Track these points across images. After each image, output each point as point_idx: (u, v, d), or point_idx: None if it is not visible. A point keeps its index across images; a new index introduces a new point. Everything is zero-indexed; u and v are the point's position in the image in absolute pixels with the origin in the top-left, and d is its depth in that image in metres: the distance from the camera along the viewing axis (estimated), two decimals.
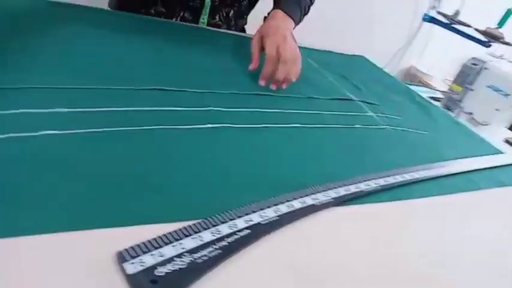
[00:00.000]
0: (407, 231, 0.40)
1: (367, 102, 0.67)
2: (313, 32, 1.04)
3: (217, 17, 0.79)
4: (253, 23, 0.85)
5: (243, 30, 0.90)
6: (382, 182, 0.44)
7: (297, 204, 0.37)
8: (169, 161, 0.38)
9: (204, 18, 0.77)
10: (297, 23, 0.71)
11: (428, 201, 0.45)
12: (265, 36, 0.63)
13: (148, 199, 0.33)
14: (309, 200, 0.38)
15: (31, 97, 0.39)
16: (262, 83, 0.60)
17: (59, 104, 0.39)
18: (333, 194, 0.40)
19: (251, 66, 0.61)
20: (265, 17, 0.71)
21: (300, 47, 0.80)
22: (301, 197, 0.38)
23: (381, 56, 1.22)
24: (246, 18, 0.88)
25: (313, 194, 0.39)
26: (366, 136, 0.56)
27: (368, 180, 0.44)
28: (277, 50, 0.60)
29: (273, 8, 0.71)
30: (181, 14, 0.75)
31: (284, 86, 0.61)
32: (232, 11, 0.81)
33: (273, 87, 0.60)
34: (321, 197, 0.39)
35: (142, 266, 0.26)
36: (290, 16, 0.69)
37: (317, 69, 0.75)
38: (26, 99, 0.38)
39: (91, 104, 0.41)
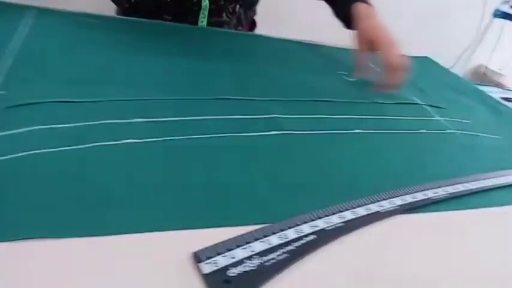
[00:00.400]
0: (478, 242, 0.39)
1: (434, 106, 0.65)
2: None
3: (224, 15, 0.77)
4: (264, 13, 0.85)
5: (254, 23, 0.88)
6: (450, 189, 0.43)
7: (361, 211, 0.37)
8: (236, 167, 0.39)
9: (203, 20, 0.75)
10: None
11: (500, 210, 0.43)
12: (377, 42, 0.64)
13: (219, 203, 0.35)
14: (374, 207, 0.38)
15: (109, 109, 0.43)
16: (381, 89, 0.63)
17: (135, 115, 0.43)
18: (399, 201, 0.39)
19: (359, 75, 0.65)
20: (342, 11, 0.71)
21: None
22: (366, 204, 0.38)
23: (447, 56, 1.17)
24: (255, 10, 0.86)
25: (378, 201, 0.39)
26: (432, 141, 0.55)
27: (436, 187, 0.42)
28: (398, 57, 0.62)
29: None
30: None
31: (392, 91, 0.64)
32: (238, 5, 0.79)
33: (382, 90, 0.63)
34: (387, 204, 0.39)
35: (216, 266, 0.28)
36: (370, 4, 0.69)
37: (379, 73, 0.74)
38: (104, 111, 0.42)
39: (164, 114, 0.44)
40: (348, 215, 0.36)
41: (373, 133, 0.53)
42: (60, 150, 0.35)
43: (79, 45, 0.54)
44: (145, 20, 0.69)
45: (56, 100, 0.41)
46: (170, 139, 0.41)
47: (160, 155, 0.38)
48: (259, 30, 0.88)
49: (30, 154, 0.34)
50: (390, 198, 0.40)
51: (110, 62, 0.52)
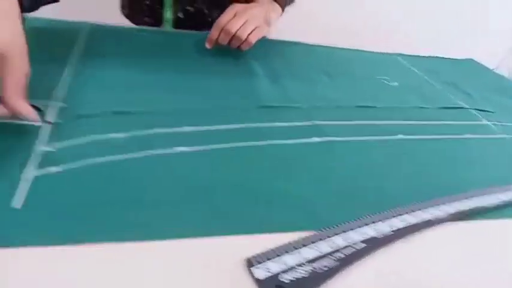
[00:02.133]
0: None
1: (481, 110, 0.63)
2: (413, 38, 1.00)
3: (180, 13, 0.74)
4: None
5: None
6: (503, 197, 0.41)
7: (411, 218, 0.37)
8: (282, 174, 0.40)
9: (167, 13, 0.72)
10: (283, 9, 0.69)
11: None
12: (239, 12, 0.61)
13: (267, 209, 0.35)
14: (424, 215, 0.37)
15: (160, 119, 0.44)
16: (208, 45, 0.62)
17: (185, 124, 0.44)
18: (449, 209, 0.39)
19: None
20: None
21: (402, 55, 0.79)
22: (415, 211, 0.37)
23: (490, 57, 1.13)
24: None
25: (428, 208, 0.38)
26: (481, 147, 0.53)
27: (488, 194, 0.41)
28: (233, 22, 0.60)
29: None
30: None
31: (244, 47, 0.62)
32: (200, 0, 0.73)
33: (225, 40, 0.61)
34: (437, 212, 0.38)
35: (268, 272, 0.29)
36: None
37: (422, 77, 0.73)
38: (156, 121, 0.44)
39: (211, 122, 0.45)
40: (397, 223, 0.36)
41: (417, 139, 0.52)
42: (118, 159, 0.37)
43: (131, 58, 0.57)
44: (192, 31, 0.71)
45: (113, 111, 0.44)
46: (218, 147, 0.42)
47: (210, 162, 0.39)
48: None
49: (90, 162, 0.36)
50: (440, 205, 0.39)
51: (160, 74, 0.54)
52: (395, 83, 0.67)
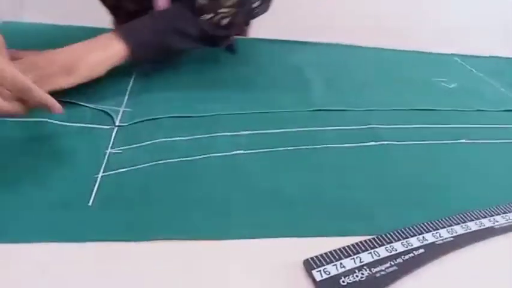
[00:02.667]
0: None
1: None
2: (472, 37, 0.96)
3: None
4: None
5: None
6: None
7: (473, 225, 0.36)
8: (338, 178, 0.40)
9: None
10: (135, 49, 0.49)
11: None
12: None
13: (325, 212, 0.36)
14: (487, 222, 0.36)
15: (218, 123, 0.46)
16: None
17: (242, 128, 0.46)
18: None
19: None
20: None
21: (459, 55, 0.76)
22: (478, 218, 0.36)
23: None
24: None
25: (492, 215, 0.37)
26: None
27: None
28: None
29: None
30: None
31: None
32: None
33: None
34: (501, 220, 0.37)
35: (327, 274, 0.29)
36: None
37: (482, 78, 0.70)
38: (214, 125, 0.46)
39: (267, 127, 0.47)
40: (459, 229, 0.35)
41: (479, 143, 0.50)
42: (180, 161, 0.40)
43: (187, 65, 0.60)
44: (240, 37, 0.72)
45: (174, 115, 0.46)
46: (274, 150, 0.43)
47: (267, 166, 0.41)
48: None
49: (154, 164, 0.39)
50: (505, 213, 0.37)
51: (215, 79, 0.57)
52: (454, 85, 0.65)
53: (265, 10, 0.59)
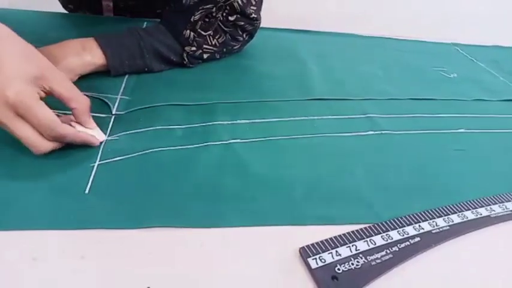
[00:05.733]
0: None
1: None
2: (469, 25, 0.95)
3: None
4: None
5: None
6: None
7: (469, 214, 0.36)
8: (337, 167, 0.40)
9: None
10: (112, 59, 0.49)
11: None
12: None
13: (322, 201, 0.36)
14: (483, 211, 0.36)
15: (216, 111, 0.46)
16: None
17: (239, 117, 0.46)
18: (511, 206, 0.37)
19: None
20: None
21: (459, 44, 0.75)
22: (474, 208, 0.36)
23: None
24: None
25: (488, 204, 0.37)
26: None
27: None
28: None
29: None
30: None
31: None
32: None
33: None
34: (497, 209, 0.37)
35: (323, 262, 0.30)
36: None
37: (482, 68, 0.69)
38: (212, 113, 0.46)
39: (266, 115, 0.47)
40: (455, 218, 0.35)
41: (477, 132, 0.50)
42: (177, 149, 0.39)
43: None
44: None
45: (170, 103, 0.46)
46: (271, 139, 0.43)
47: (265, 154, 0.41)
48: None
49: (151, 152, 0.39)
50: (502, 202, 0.37)
51: (213, 67, 0.56)
52: (454, 75, 0.64)
53: (241, 49, 0.61)
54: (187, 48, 0.53)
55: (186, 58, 0.53)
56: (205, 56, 0.55)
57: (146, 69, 0.51)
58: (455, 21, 0.81)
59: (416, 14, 0.88)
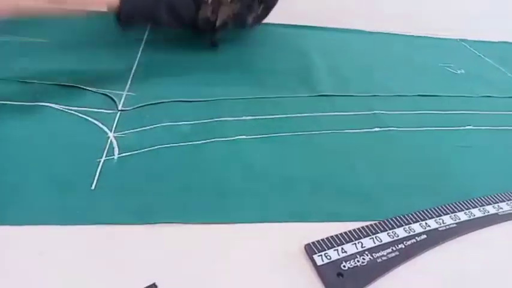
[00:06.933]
0: None
1: None
2: (477, 21, 0.93)
3: None
4: None
5: None
6: None
7: (477, 212, 0.36)
8: (341, 164, 0.40)
9: None
10: None
11: None
12: None
13: (327, 198, 0.36)
14: (491, 209, 0.36)
15: (221, 107, 0.46)
16: None
17: (244, 113, 0.46)
18: None
19: None
20: None
21: (467, 40, 0.74)
22: (482, 205, 0.36)
23: None
24: None
25: (496, 202, 0.37)
26: None
27: None
28: None
29: None
30: None
31: None
32: None
33: None
34: (505, 207, 0.36)
35: (328, 259, 0.29)
36: None
37: (491, 64, 0.69)
38: (217, 109, 0.46)
39: (270, 112, 0.46)
40: (462, 216, 0.35)
41: (485, 129, 0.49)
42: (183, 145, 0.40)
43: (191, 49, 0.59)
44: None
45: (177, 100, 0.46)
46: (276, 135, 0.43)
47: (270, 151, 0.40)
48: None
49: (158, 148, 0.39)
50: (510, 200, 0.37)
51: (219, 63, 0.56)
52: (461, 71, 0.64)
53: (253, 26, 0.60)
54: (201, 11, 0.52)
55: (199, 20, 0.53)
56: (218, 23, 0.54)
57: (154, 21, 0.52)
58: (463, 17, 0.80)
59: (424, 9, 0.87)
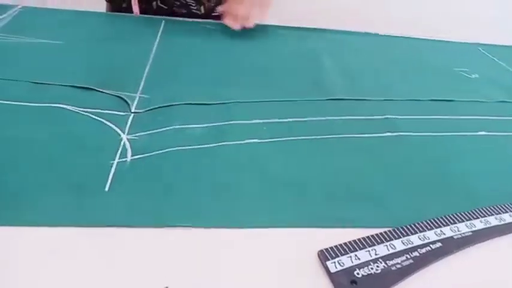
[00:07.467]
0: None
1: None
2: (492, 25, 0.92)
3: None
4: None
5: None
6: None
7: (493, 220, 0.35)
8: (354, 168, 0.40)
9: None
10: None
11: None
12: None
13: (340, 203, 0.35)
14: (506, 217, 0.35)
15: (233, 111, 0.46)
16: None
17: (256, 116, 0.45)
18: None
19: None
20: None
21: (482, 45, 0.73)
22: (498, 213, 0.36)
23: None
24: None
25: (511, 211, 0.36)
26: None
27: None
28: None
29: None
30: None
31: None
32: None
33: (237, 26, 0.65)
34: None
35: (342, 266, 0.29)
36: None
37: (505, 68, 0.68)
38: (229, 113, 0.46)
39: (282, 115, 0.46)
40: (477, 224, 0.34)
41: (500, 136, 0.49)
42: (194, 148, 0.40)
43: (202, 51, 0.59)
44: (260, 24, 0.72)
45: (190, 102, 0.46)
46: (288, 139, 0.43)
47: (282, 155, 0.40)
48: None
49: (170, 151, 0.39)
50: None
51: (231, 66, 0.56)
52: (476, 75, 0.63)
53: None
54: None
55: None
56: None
57: None
58: (477, 21, 0.79)
59: (438, 13, 0.86)
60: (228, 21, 0.66)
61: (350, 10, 0.76)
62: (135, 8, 0.72)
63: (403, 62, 0.65)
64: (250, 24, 0.66)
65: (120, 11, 0.74)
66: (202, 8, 0.75)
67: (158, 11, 0.73)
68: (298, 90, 0.52)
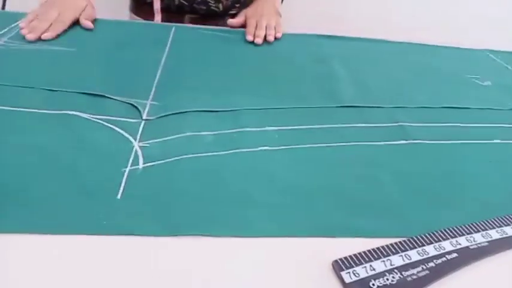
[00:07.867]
0: None
1: None
2: (504, 32, 0.92)
3: None
4: None
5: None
6: None
7: (509, 230, 0.34)
8: (366, 177, 0.39)
9: None
10: None
11: None
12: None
13: (353, 212, 0.35)
14: None
15: (244, 118, 0.46)
16: (249, 38, 0.67)
17: (268, 124, 0.45)
18: None
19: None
20: None
21: (494, 51, 0.73)
22: None
23: None
24: None
25: None
26: None
27: None
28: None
29: None
30: None
31: (271, 39, 0.67)
32: None
33: (259, 40, 0.66)
34: None
35: (357, 277, 0.29)
36: None
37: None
38: (240, 120, 0.45)
39: (293, 123, 0.46)
40: (494, 234, 0.34)
41: None
42: (206, 156, 0.39)
43: (213, 58, 0.60)
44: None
45: (201, 110, 0.46)
46: (300, 147, 0.42)
47: (293, 162, 0.40)
48: None
49: (181, 158, 0.39)
50: None
51: (242, 73, 0.56)
52: (488, 82, 0.62)
53: None
54: None
55: None
56: None
57: None
58: (490, 28, 0.78)
59: (450, 20, 0.86)
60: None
61: (362, 16, 0.75)
62: (157, 4, 0.74)
63: (415, 68, 0.65)
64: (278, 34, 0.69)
65: (143, 6, 0.77)
66: (220, 6, 0.78)
67: (179, 7, 0.76)
68: (310, 97, 0.52)
